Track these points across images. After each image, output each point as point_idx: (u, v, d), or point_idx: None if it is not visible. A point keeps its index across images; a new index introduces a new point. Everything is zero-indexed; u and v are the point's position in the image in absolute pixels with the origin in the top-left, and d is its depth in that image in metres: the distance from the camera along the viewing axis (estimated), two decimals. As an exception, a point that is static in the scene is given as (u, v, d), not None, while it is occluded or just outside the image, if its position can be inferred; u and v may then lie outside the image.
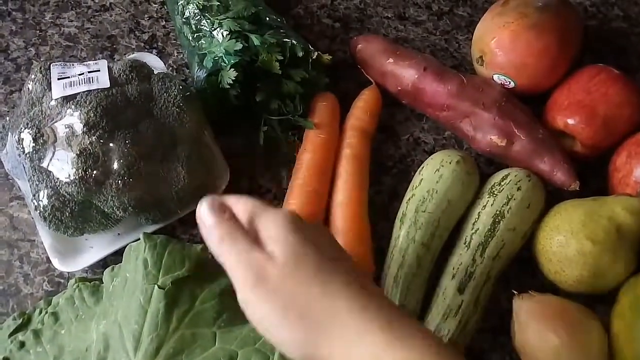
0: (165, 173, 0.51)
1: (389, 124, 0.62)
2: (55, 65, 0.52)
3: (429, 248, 0.51)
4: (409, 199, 0.54)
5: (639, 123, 0.55)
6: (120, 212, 0.50)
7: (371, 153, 0.59)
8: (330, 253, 0.37)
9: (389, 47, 0.62)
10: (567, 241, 0.49)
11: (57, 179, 0.48)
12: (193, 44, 0.59)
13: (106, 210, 0.50)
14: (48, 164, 0.48)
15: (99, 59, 0.65)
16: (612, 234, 0.48)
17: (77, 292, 0.48)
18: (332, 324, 0.33)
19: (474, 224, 0.52)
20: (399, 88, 0.60)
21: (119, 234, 0.54)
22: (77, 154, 0.48)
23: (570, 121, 0.55)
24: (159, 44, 0.67)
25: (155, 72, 0.55)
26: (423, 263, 0.51)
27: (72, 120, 0.48)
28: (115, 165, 0.48)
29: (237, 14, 0.57)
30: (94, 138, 0.48)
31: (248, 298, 0.35)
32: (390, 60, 0.61)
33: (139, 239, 0.47)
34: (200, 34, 0.58)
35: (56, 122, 0.49)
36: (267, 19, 0.59)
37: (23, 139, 0.49)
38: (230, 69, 0.54)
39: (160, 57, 0.64)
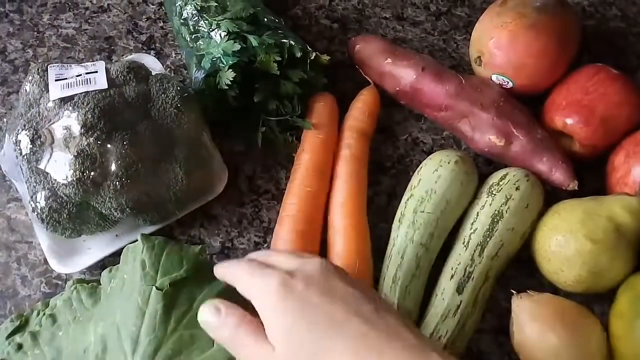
0: (163, 174, 0.51)
1: (387, 124, 0.62)
2: (53, 66, 0.52)
3: (427, 248, 0.51)
4: (408, 199, 0.54)
5: (638, 122, 0.55)
6: (118, 214, 0.50)
7: (370, 153, 0.59)
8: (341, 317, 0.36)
9: (387, 48, 0.62)
10: (566, 241, 0.49)
11: (55, 180, 0.48)
12: (191, 45, 0.59)
13: (104, 211, 0.50)
14: (45, 166, 0.48)
15: (96, 60, 0.64)
16: (611, 234, 0.48)
17: (74, 293, 0.48)
18: None
19: (472, 224, 0.52)
20: (397, 88, 0.60)
21: (117, 235, 0.54)
22: (74, 156, 0.47)
23: (569, 121, 0.55)
24: (157, 45, 0.67)
25: (153, 73, 0.55)
26: (422, 263, 0.51)
27: (70, 121, 0.48)
28: (113, 167, 0.48)
29: (235, 15, 0.57)
30: (91, 139, 0.48)
31: None
32: (389, 60, 0.61)
33: (137, 240, 0.46)
34: (198, 34, 0.58)
35: (54, 123, 0.49)
36: (265, 19, 0.59)
37: (20, 140, 0.49)
38: (228, 69, 0.54)
39: (158, 59, 0.64)
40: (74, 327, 0.46)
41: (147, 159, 0.49)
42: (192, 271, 0.45)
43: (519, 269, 0.54)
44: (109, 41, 0.68)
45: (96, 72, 0.51)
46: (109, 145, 0.48)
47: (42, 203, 0.49)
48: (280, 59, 0.55)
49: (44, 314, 0.48)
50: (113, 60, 0.66)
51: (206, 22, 0.57)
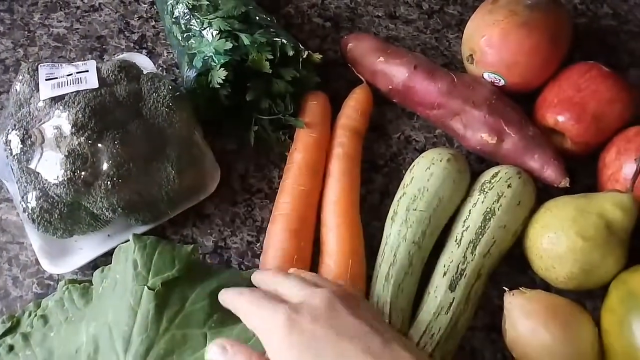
0: (155, 174, 0.51)
1: (380, 122, 0.62)
2: (43, 65, 0.51)
3: (420, 246, 0.51)
4: (400, 197, 0.54)
5: (629, 120, 0.55)
6: (109, 214, 0.49)
7: (362, 152, 0.59)
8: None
9: (379, 46, 0.62)
10: (558, 238, 0.49)
11: (46, 180, 0.48)
12: (183, 44, 0.58)
13: (95, 211, 0.49)
14: (36, 166, 0.48)
15: (88, 59, 0.64)
16: (602, 230, 0.48)
17: (66, 294, 0.48)
18: None
19: (464, 221, 0.52)
20: (390, 87, 0.60)
21: (109, 235, 0.54)
22: (65, 155, 0.47)
23: (560, 118, 0.55)
24: (149, 44, 0.67)
25: (145, 72, 0.55)
26: (414, 261, 0.51)
27: (61, 121, 0.48)
28: (104, 166, 0.48)
29: (227, 13, 0.57)
30: (82, 139, 0.48)
31: None
32: (381, 59, 0.61)
33: (129, 240, 0.46)
34: (190, 33, 0.58)
35: (44, 123, 0.48)
36: (257, 18, 0.59)
37: (11, 140, 0.49)
38: (220, 68, 0.54)
39: (150, 58, 0.63)
40: (65, 328, 0.46)
41: (138, 158, 0.49)
42: (185, 271, 0.45)
43: (511, 266, 0.54)
44: (100, 40, 0.67)
45: (87, 71, 0.51)
46: (100, 145, 0.48)
47: (33, 203, 0.48)
48: (272, 57, 0.55)
49: (36, 315, 0.48)
50: (105, 60, 0.66)
51: (198, 20, 0.57)
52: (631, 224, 0.49)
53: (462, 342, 0.51)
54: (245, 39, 0.55)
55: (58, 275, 0.54)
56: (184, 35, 0.58)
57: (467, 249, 0.51)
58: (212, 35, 0.55)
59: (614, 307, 0.48)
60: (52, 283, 0.54)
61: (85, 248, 0.53)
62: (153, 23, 0.68)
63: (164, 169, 0.51)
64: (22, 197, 0.49)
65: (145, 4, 0.70)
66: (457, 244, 0.51)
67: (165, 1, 0.61)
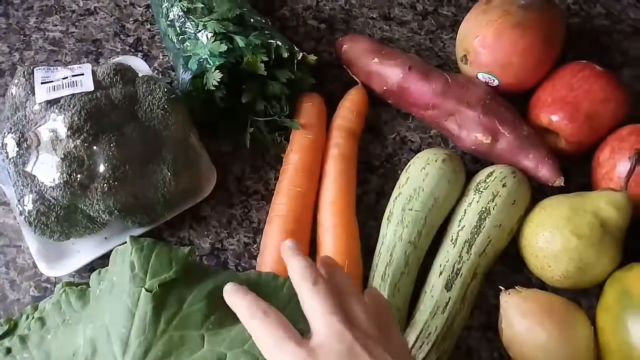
0: (151, 176, 0.51)
1: (375, 123, 0.62)
2: (39, 69, 0.51)
3: (416, 246, 0.52)
4: (396, 197, 0.54)
5: (622, 119, 0.56)
6: (106, 216, 0.50)
7: (358, 153, 0.59)
8: None
9: (374, 47, 0.62)
10: (553, 237, 0.49)
11: (42, 183, 0.48)
12: (178, 47, 0.59)
13: (92, 214, 0.50)
14: (32, 169, 0.48)
15: (84, 63, 0.64)
16: (597, 229, 0.48)
17: (63, 296, 0.47)
18: None
19: (460, 221, 0.52)
20: (385, 88, 0.61)
21: (105, 237, 0.54)
22: (61, 158, 0.47)
23: (554, 118, 0.56)
24: (144, 47, 0.67)
25: (140, 75, 0.55)
26: (410, 261, 0.51)
27: (56, 124, 0.48)
28: (100, 169, 0.48)
29: (222, 16, 0.57)
30: (78, 142, 0.48)
31: None
32: (376, 60, 0.61)
33: (126, 242, 0.46)
34: (185, 36, 0.58)
35: (40, 126, 0.49)
36: (252, 20, 0.59)
37: (7, 143, 0.49)
38: (215, 70, 0.54)
39: (145, 60, 0.64)
40: (63, 330, 0.46)
41: (134, 161, 0.49)
42: (182, 272, 0.45)
43: (506, 265, 0.54)
44: (96, 44, 0.68)
45: (82, 74, 0.51)
46: (95, 148, 0.48)
47: (30, 206, 0.48)
48: (267, 59, 0.56)
49: (33, 318, 0.48)
50: (100, 63, 0.66)
51: (192, 23, 0.57)
52: (625, 222, 0.50)
53: (458, 341, 0.51)
54: (240, 41, 0.55)
55: (55, 278, 0.54)
56: (179, 38, 0.58)
57: (462, 248, 0.51)
58: (207, 38, 0.56)
59: (609, 306, 0.48)
60: (49, 286, 0.54)
61: (82, 251, 0.53)
62: (148, 26, 0.68)
63: (160, 171, 0.51)
64: (19, 200, 0.49)
65: (140, 7, 0.70)
66: (453, 243, 0.52)
67: (160, 4, 0.61)
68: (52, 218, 0.49)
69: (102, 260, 0.52)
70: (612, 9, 0.71)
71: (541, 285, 0.53)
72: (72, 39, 0.68)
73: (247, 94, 0.56)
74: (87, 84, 0.50)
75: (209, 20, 0.56)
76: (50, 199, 0.48)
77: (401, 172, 0.57)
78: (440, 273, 0.50)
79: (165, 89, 0.53)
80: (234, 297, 0.40)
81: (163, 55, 0.66)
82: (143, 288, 0.43)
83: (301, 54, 0.58)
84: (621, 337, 0.46)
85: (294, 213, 0.54)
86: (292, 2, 0.71)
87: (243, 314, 0.39)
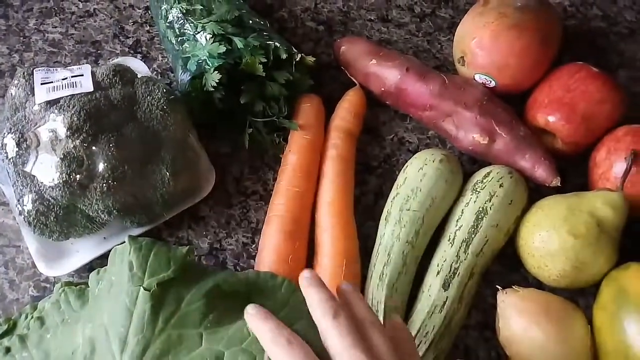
0: (150, 176, 0.51)
1: (373, 124, 0.63)
2: (39, 70, 0.52)
3: (413, 246, 0.52)
4: (394, 197, 0.54)
5: (618, 120, 0.56)
6: (105, 216, 0.50)
7: (356, 154, 0.59)
8: None
9: (372, 49, 0.62)
10: (549, 236, 0.50)
11: (41, 183, 0.48)
12: (177, 48, 0.59)
13: (91, 214, 0.50)
14: (32, 169, 0.48)
15: (83, 64, 0.65)
16: (593, 229, 0.49)
17: (62, 296, 0.48)
18: None
19: (457, 221, 0.53)
20: (383, 89, 0.61)
21: (104, 237, 0.54)
22: (61, 158, 0.48)
23: (551, 118, 0.56)
24: (144, 48, 0.68)
25: (139, 76, 0.55)
26: (408, 261, 0.51)
27: (56, 124, 0.48)
28: (100, 169, 0.48)
29: (220, 17, 0.57)
30: (77, 142, 0.48)
31: None
32: (374, 61, 0.61)
33: (125, 242, 0.47)
34: (184, 37, 0.58)
35: (39, 126, 0.49)
36: (250, 22, 0.59)
37: (6, 144, 0.49)
38: (214, 71, 0.54)
39: (144, 62, 0.64)
40: (62, 330, 0.46)
41: (133, 161, 0.50)
42: (180, 272, 0.45)
43: (503, 265, 0.55)
44: (95, 45, 0.68)
45: (82, 75, 0.51)
46: (95, 148, 0.48)
47: (29, 206, 0.49)
48: (265, 60, 0.56)
49: (32, 317, 0.48)
50: (100, 65, 0.66)
51: (191, 24, 0.58)
52: (622, 221, 0.50)
53: (456, 340, 0.51)
54: (238, 42, 0.56)
55: (54, 277, 0.54)
56: (178, 40, 0.59)
57: (460, 248, 0.51)
58: (206, 39, 0.56)
59: (606, 305, 0.48)
60: (48, 286, 0.54)
61: (81, 250, 0.53)
62: (147, 28, 0.69)
63: (159, 171, 0.51)
64: (18, 200, 0.49)
65: (139, 9, 0.70)
66: (450, 243, 0.52)
67: (159, 6, 0.62)
68: (52, 218, 0.49)
69: (101, 260, 0.52)
70: (608, 11, 0.71)
71: (538, 284, 0.53)
72: (71, 40, 0.68)
73: (245, 95, 0.57)
74: (87, 85, 0.51)
75: (208, 22, 0.57)
76: (50, 198, 0.49)
77: (399, 172, 0.57)
78: (438, 272, 0.51)
79: (164, 90, 0.54)
80: (256, 320, 0.40)
81: (162, 57, 0.67)
82: (141, 287, 0.43)
83: (299, 56, 0.59)
84: (618, 336, 0.46)
85: (292, 213, 0.54)
86: (291, 4, 0.71)
87: (265, 337, 0.38)
